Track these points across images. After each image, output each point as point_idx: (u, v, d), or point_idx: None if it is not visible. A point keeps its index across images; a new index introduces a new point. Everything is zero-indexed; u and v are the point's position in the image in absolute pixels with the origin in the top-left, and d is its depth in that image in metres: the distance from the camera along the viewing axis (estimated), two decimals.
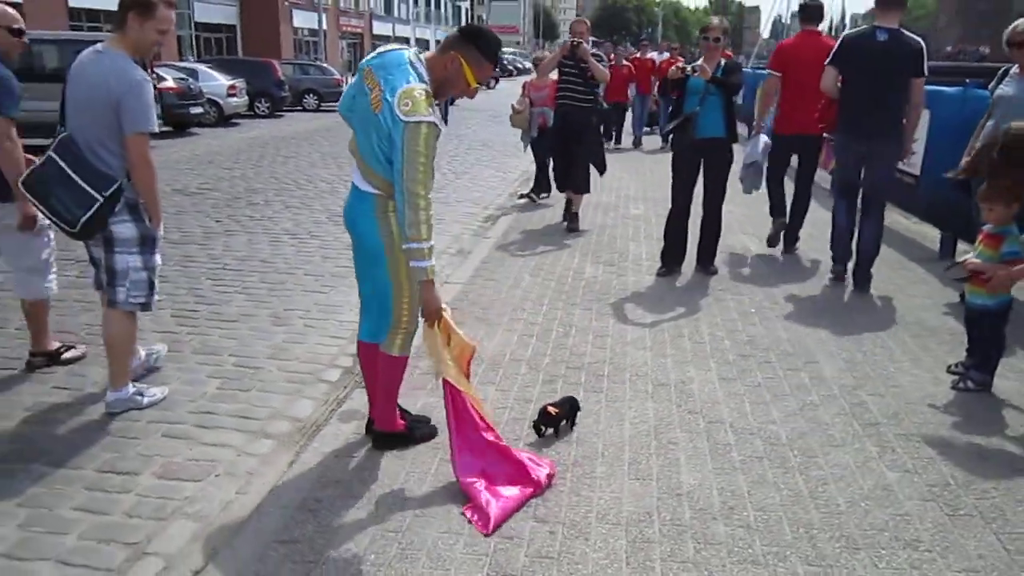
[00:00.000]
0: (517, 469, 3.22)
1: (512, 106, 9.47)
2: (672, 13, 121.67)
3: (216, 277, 6.52)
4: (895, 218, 8.58)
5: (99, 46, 3.85)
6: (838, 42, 6.06)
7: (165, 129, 17.01)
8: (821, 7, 7.09)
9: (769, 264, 6.75)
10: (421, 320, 3.25)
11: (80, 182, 3.73)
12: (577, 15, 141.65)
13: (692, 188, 6.29)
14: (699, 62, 6.01)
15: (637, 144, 15.79)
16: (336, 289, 6.25)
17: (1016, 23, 5.30)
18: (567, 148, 8.00)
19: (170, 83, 17.31)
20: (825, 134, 6.77)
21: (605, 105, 14.01)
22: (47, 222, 4.17)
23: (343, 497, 3.20)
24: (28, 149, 4.27)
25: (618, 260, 6.84)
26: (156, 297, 4.16)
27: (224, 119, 20.49)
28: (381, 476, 3.35)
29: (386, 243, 3.23)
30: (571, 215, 8.10)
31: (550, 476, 3.26)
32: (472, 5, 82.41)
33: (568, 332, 5.06)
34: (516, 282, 6.16)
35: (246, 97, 21.62)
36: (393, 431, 3.61)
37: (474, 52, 3.16)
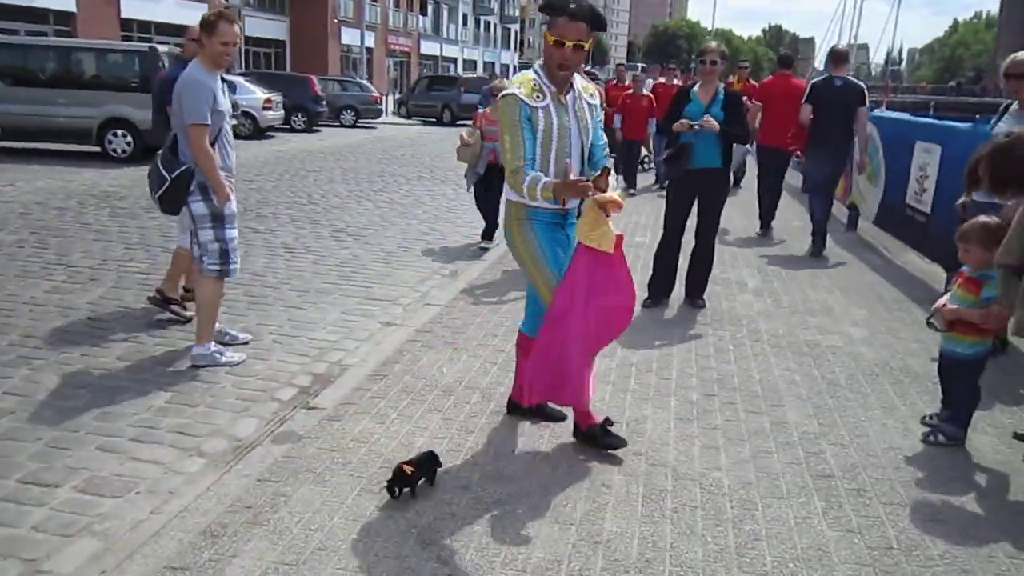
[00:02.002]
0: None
1: (461, 137, 8.20)
2: (724, 42, 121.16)
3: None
4: (908, 257, 8.28)
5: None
6: (809, 87, 8.56)
7: None
8: (791, 57, 10.70)
9: (761, 300, 6.51)
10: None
11: (160, 168, 4.61)
12: (629, 41, 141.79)
13: (684, 219, 6.11)
14: (704, 119, 5.71)
15: (661, 182, 12.95)
16: (316, 306, 6.18)
17: (1015, 54, 5.08)
18: None
19: None
20: (798, 152, 9.19)
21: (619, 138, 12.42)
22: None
23: (249, 524, 3.07)
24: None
25: None
26: (234, 266, 4.83)
27: (259, 131, 20.73)
28: (294, 504, 3.22)
29: (516, 245, 3.61)
30: None
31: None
32: (521, 28, 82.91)
33: None
34: (496, 308, 6.02)
35: (282, 111, 21.88)
36: (590, 424, 3.76)
37: (548, 20, 3.40)
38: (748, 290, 6.83)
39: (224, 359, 4.87)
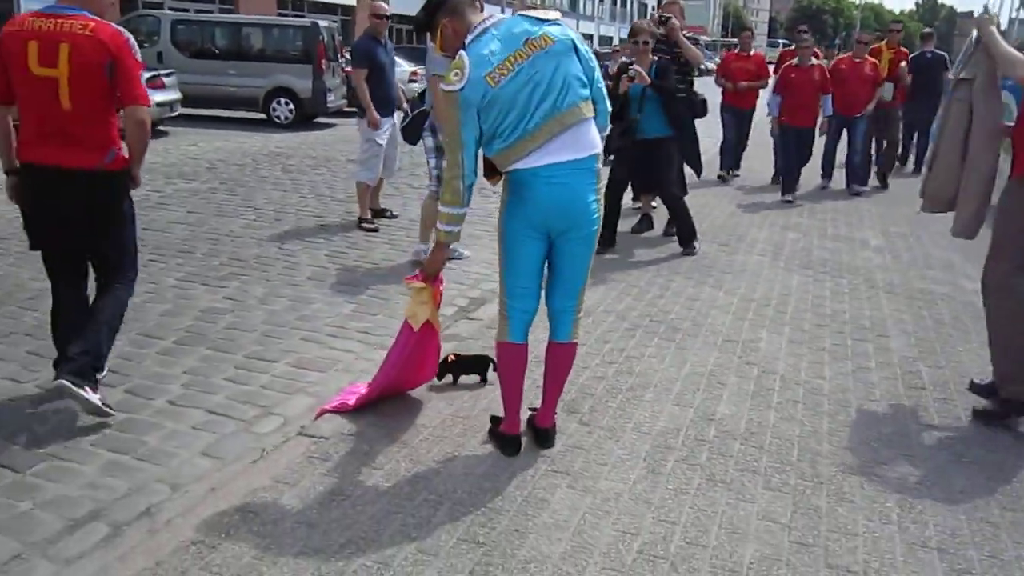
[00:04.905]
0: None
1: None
2: (872, 16, 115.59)
3: (367, 231, 7.44)
4: None
5: None
6: (911, 59, 11.07)
7: (349, 110, 18.51)
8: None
9: (881, 255, 6.88)
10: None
11: (409, 108, 6.21)
12: (771, 16, 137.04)
13: (623, 189, 6.92)
14: (635, 67, 6.22)
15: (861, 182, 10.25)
16: (480, 240, 6.98)
17: None
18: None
19: None
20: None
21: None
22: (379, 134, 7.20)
23: (428, 391, 3.88)
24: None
25: (734, 242, 7.16)
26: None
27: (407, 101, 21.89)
28: (462, 382, 4.00)
29: None
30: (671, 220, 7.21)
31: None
32: (659, 3, 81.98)
33: (663, 294, 5.52)
34: (628, 252, 6.65)
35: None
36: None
37: None
38: (870, 247, 7.20)
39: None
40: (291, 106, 15.85)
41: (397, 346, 3.68)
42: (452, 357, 4.02)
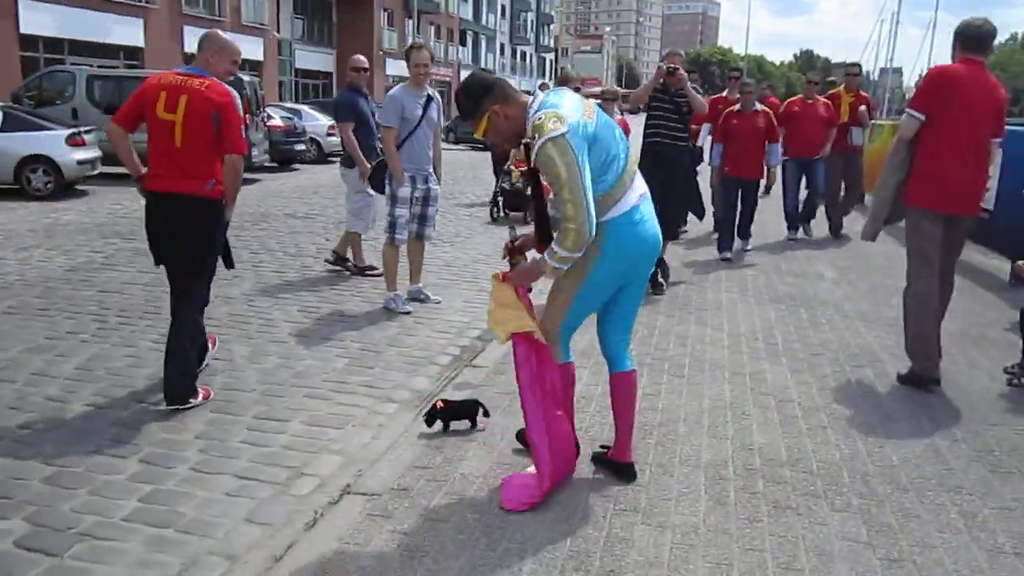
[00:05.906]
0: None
1: None
2: (756, 68, 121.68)
3: (333, 282, 7.31)
4: (970, 254, 8.87)
5: None
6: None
7: (271, 164, 18.26)
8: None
9: (841, 287, 7.19)
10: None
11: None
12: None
13: None
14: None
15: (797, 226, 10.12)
16: (448, 289, 6.94)
17: None
18: (658, 192, 7.11)
19: (277, 122, 18.58)
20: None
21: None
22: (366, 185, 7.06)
23: (463, 440, 3.81)
24: None
25: (699, 280, 7.36)
26: (399, 236, 6.24)
27: (323, 157, 21.73)
28: (493, 428, 3.95)
29: None
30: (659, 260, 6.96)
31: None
32: (556, 57, 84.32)
33: (652, 333, 5.61)
34: None
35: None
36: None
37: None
38: (827, 280, 7.51)
39: (395, 306, 6.31)
40: None
41: (523, 383, 3.29)
42: (440, 404, 3.98)
